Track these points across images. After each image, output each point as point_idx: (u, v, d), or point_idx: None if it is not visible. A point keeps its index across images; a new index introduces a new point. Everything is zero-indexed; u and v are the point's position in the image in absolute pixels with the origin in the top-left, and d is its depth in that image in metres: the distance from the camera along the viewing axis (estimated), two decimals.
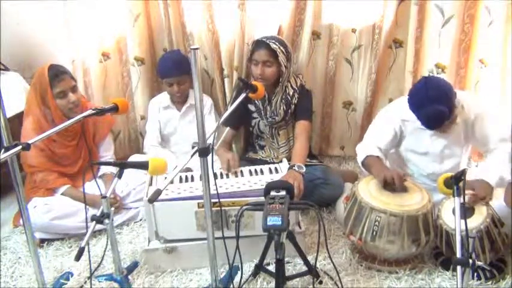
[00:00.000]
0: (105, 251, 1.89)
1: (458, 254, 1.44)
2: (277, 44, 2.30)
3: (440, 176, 1.82)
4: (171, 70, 2.51)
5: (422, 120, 1.93)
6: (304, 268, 1.84)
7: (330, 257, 1.80)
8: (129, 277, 1.92)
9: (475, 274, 1.81)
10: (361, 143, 2.24)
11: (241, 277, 1.87)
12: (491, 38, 2.39)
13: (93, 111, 1.68)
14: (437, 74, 2.47)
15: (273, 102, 2.42)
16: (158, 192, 1.34)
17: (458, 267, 1.42)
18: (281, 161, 2.31)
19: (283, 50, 2.31)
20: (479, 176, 1.94)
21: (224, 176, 2.14)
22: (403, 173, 1.98)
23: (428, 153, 2.14)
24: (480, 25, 2.36)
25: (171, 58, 2.55)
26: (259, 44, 2.33)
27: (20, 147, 1.40)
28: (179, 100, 2.65)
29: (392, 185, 1.91)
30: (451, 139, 2.08)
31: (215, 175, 1.81)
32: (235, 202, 1.90)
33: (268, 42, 2.30)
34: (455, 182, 1.58)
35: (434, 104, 1.85)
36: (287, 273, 1.81)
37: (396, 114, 2.14)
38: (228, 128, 2.44)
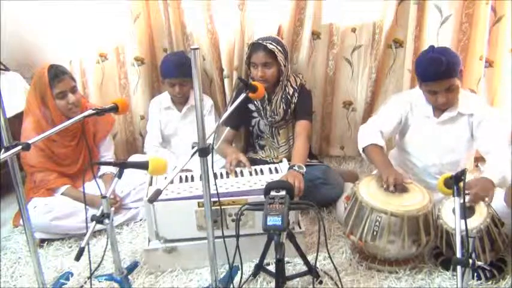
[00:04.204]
0: (105, 251, 1.89)
1: (458, 254, 1.44)
2: (273, 44, 2.30)
3: (440, 169, 1.93)
4: (174, 71, 2.51)
5: (422, 69, 2.00)
6: (304, 268, 1.84)
7: (330, 257, 1.80)
8: (129, 277, 1.92)
9: (475, 274, 1.81)
10: (365, 125, 2.23)
11: (241, 277, 1.87)
12: (492, 37, 2.39)
13: (93, 111, 1.68)
14: None
15: (273, 101, 2.42)
16: (158, 192, 1.34)
17: (458, 267, 1.42)
18: (281, 161, 2.31)
19: (280, 49, 2.31)
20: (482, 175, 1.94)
21: (224, 176, 2.14)
22: (404, 177, 1.96)
23: (431, 143, 2.14)
24: (479, 24, 2.36)
25: (174, 59, 2.55)
26: (256, 46, 2.33)
27: (20, 147, 1.41)
28: (180, 101, 2.65)
29: (389, 186, 1.89)
30: (455, 132, 2.10)
31: (215, 175, 1.81)
32: (235, 201, 1.90)
33: (265, 43, 2.29)
34: (455, 182, 1.58)
35: (436, 54, 1.96)
36: (287, 273, 1.81)
37: (406, 99, 2.19)
38: (228, 128, 2.44)
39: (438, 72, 1.93)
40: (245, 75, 2.65)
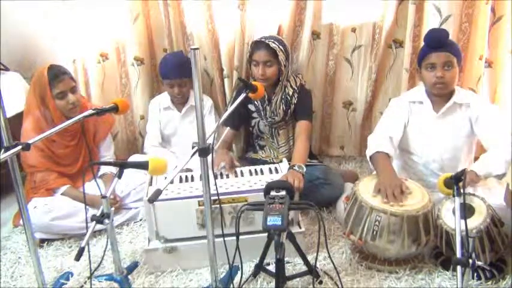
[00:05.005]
0: (105, 251, 1.89)
1: (458, 254, 1.45)
2: (276, 43, 2.31)
3: (441, 165, 2.06)
4: (172, 72, 2.51)
5: (426, 39, 2.09)
6: (304, 268, 1.84)
7: (330, 257, 1.80)
8: (129, 277, 1.92)
9: (475, 274, 1.81)
10: (373, 133, 2.23)
11: (241, 277, 1.87)
12: (492, 37, 2.39)
13: (93, 111, 1.68)
14: None
15: (272, 102, 2.42)
16: (158, 192, 1.34)
17: (458, 267, 1.42)
18: (281, 161, 2.31)
19: (282, 49, 2.32)
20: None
21: (224, 176, 2.14)
22: (405, 186, 1.93)
23: (432, 138, 2.16)
24: (479, 24, 2.36)
25: (173, 60, 2.55)
26: (258, 44, 2.34)
27: (20, 147, 1.41)
28: (180, 101, 2.65)
29: (388, 199, 1.86)
30: (454, 126, 2.13)
31: (215, 175, 1.81)
32: (235, 199, 1.92)
33: (267, 42, 2.30)
34: (455, 182, 1.58)
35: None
36: (287, 273, 1.80)
37: (405, 99, 2.25)
38: (228, 128, 2.44)
39: (441, 41, 2.03)
40: (245, 75, 2.65)
